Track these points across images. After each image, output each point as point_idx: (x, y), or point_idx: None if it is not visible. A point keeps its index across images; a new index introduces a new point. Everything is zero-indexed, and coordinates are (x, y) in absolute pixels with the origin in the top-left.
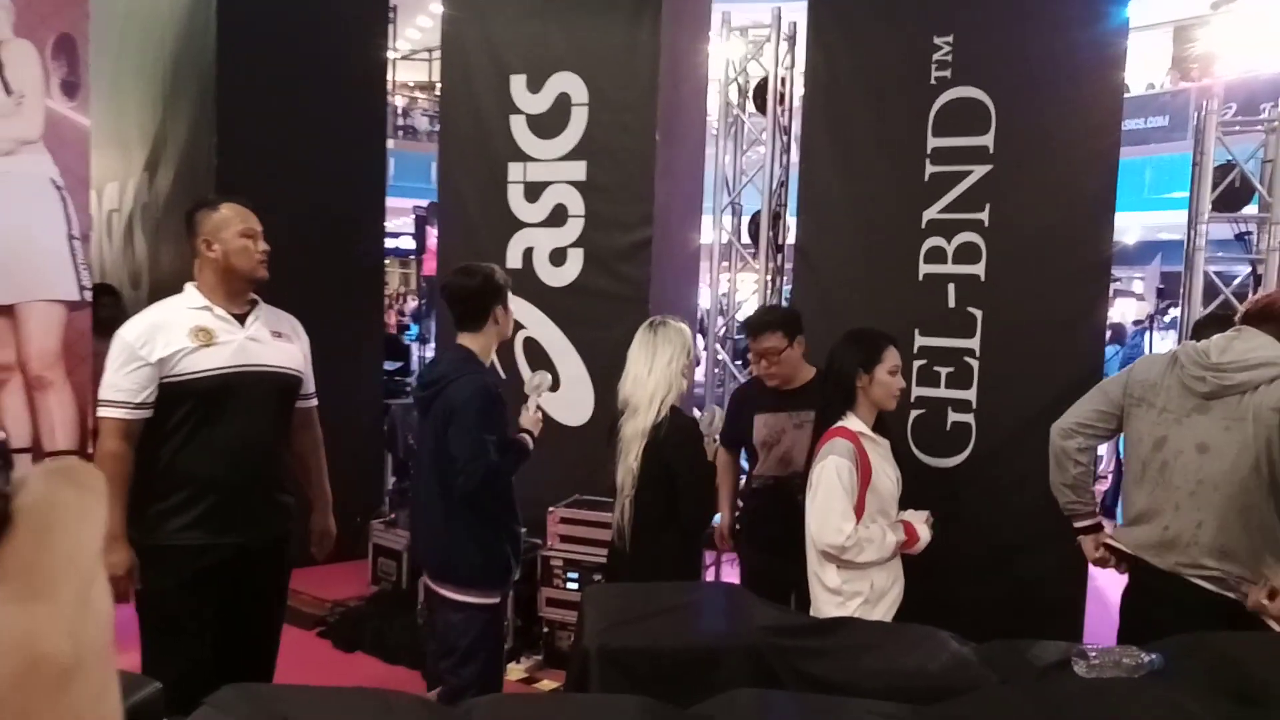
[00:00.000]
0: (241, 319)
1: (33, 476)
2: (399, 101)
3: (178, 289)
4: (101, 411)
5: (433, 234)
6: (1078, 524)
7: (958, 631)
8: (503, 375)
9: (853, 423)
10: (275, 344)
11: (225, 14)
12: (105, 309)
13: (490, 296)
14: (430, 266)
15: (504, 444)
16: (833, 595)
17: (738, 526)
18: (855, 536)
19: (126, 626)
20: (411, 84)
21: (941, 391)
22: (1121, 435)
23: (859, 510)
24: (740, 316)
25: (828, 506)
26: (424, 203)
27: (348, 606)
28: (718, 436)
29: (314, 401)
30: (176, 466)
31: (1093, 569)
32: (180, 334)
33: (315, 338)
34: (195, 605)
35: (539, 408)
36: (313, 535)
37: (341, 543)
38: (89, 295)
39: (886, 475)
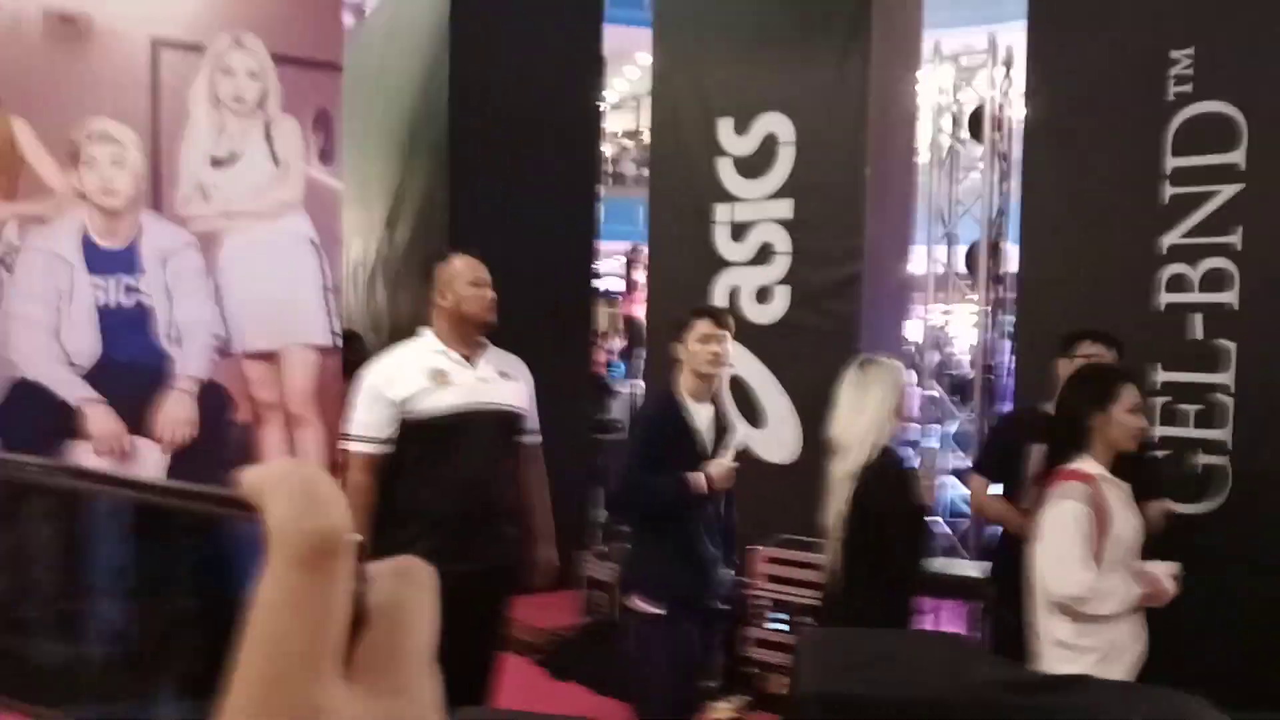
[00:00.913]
0: (472, 360)
1: (380, 575)
2: (609, 150)
3: (413, 334)
4: (351, 446)
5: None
6: None
7: (1210, 697)
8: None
9: (1088, 465)
10: (502, 383)
11: (455, 77)
12: (352, 353)
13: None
14: (628, 306)
15: (657, 465)
16: (1064, 650)
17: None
18: (1095, 587)
19: None
20: (620, 132)
21: (1190, 431)
22: None
23: (1097, 559)
24: (954, 349)
25: (1064, 554)
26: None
27: (561, 636)
28: (936, 480)
29: (537, 438)
30: (413, 498)
31: None
32: (419, 375)
33: (532, 375)
34: None
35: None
36: (535, 566)
37: (557, 573)
38: (339, 341)
39: (1127, 522)
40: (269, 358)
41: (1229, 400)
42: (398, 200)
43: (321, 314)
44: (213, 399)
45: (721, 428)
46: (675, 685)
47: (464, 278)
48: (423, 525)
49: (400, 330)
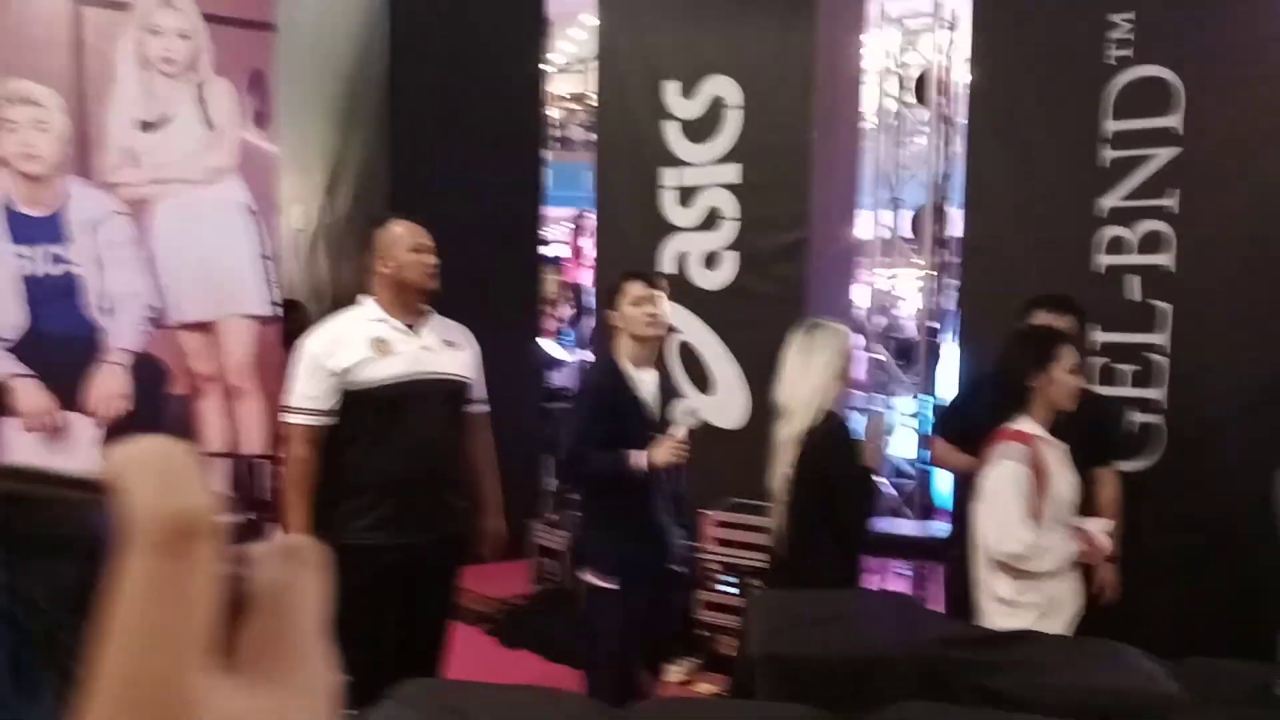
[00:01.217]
0: (415, 329)
1: (264, 557)
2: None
3: (354, 302)
4: (290, 419)
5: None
6: None
7: (1143, 646)
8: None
9: (1027, 425)
10: (447, 352)
11: (396, 38)
12: (293, 322)
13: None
14: (574, 273)
15: (603, 434)
16: (1004, 606)
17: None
18: (1033, 545)
19: None
20: (566, 95)
21: (1127, 390)
22: None
23: (1035, 517)
24: (899, 313)
25: (1004, 513)
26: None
27: (512, 605)
28: (882, 440)
29: (484, 407)
30: (357, 470)
31: None
32: (360, 344)
33: (479, 344)
34: (375, 602)
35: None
36: (484, 536)
37: (507, 543)
38: (279, 310)
39: (1064, 481)
40: (205, 328)
41: (1165, 360)
42: (338, 165)
43: (259, 283)
44: (147, 372)
45: (668, 394)
46: (625, 656)
47: (404, 243)
48: (370, 496)
49: (343, 299)
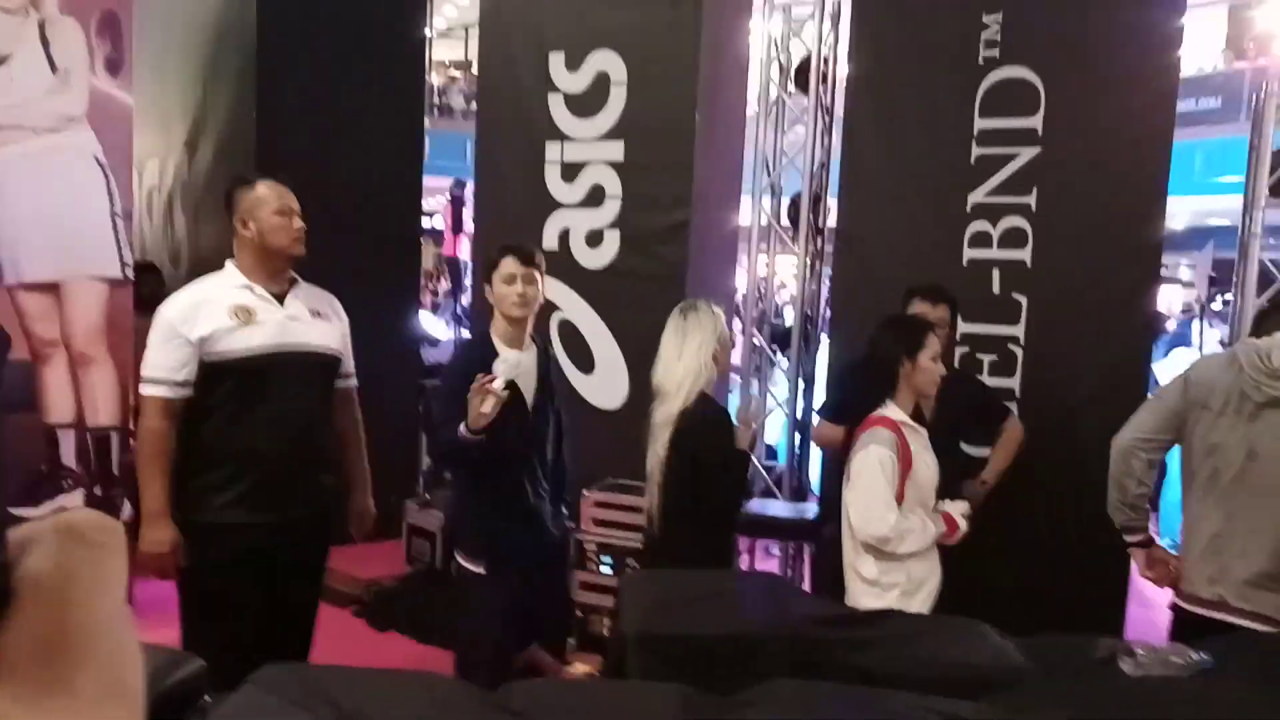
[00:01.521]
0: (281, 298)
1: (39, 539)
2: (436, 80)
3: (218, 267)
4: (144, 389)
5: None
6: (1130, 539)
7: (996, 624)
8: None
9: (893, 411)
10: (315, 323)
11: None
12: (147, 286)
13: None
14: (452, 247)
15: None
16: (870, 586)
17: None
18: (897, 527)
19: (167, 602)
20: (448, 62)
21: (985, 379)
22: None
23: (899, 500)
24: (778, 300)
25: (870, 496)
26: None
27: (382, 586)
28: (754, 423)
29: (353, 381)
30: (218, 444)
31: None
32: (221, 313)
33: (352, 317)
34: (236, 582)
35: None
36: (352, 515)
37: (377, 522)
38: (131, 273)
39: (926, 465)
40: (49, 289)
41: (1019, 351)
42: (199, 120)
43: (110, 242)
44: None
45: (545, 372)
46: (497, 641)
47: (268, 205)
48: (229, 471)
49: (202, 263)
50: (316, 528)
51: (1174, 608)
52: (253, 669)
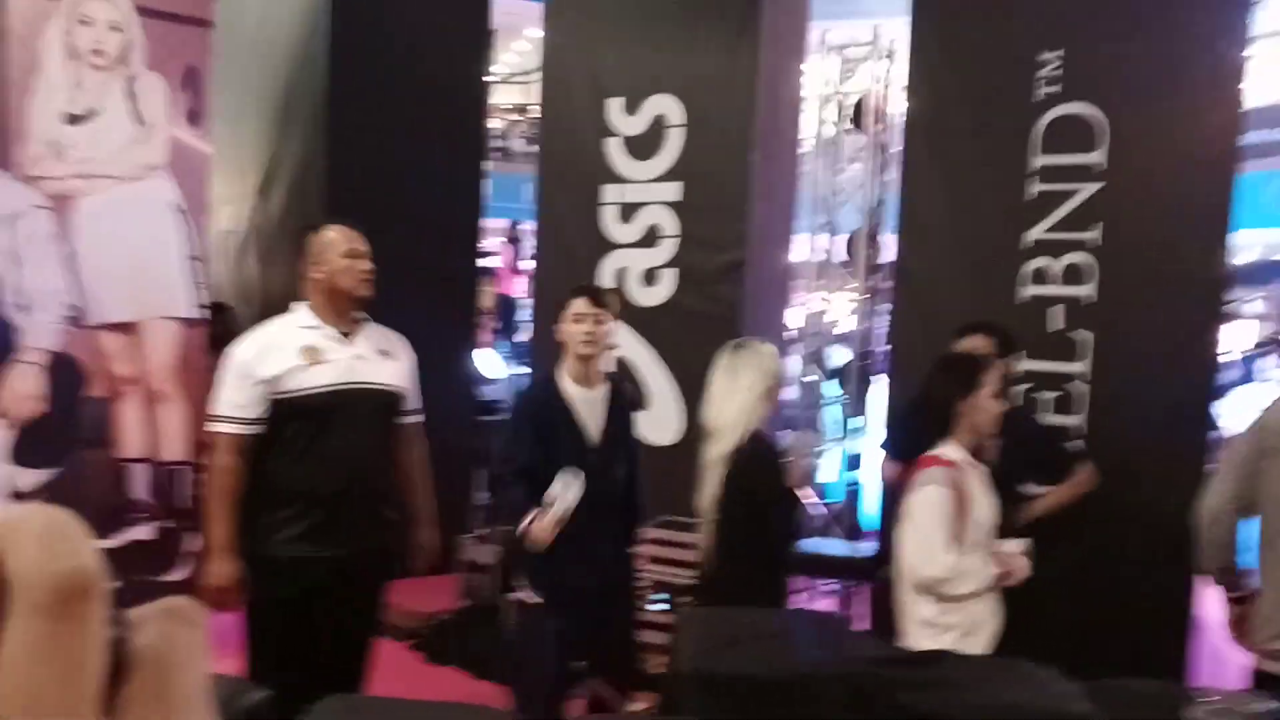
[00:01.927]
0: (349, 337)
1: (146, 617)
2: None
3: (286, 308)
4: (216, 427)
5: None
6: (1231, 595)
7: (1057, 664)
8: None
9: (950, 450)
10: (381, 361)
11: (336, 41)
12: (219, 325)
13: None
14: (508, 285)
15: (534, 448)
16: (926, 628)
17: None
18: (955, 569)
19: (231, 634)
20: (508, 106)
21: (1046, 417)
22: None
23: (958, 540)
24: (832, 336)
25: (927, 537)
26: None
27: (439, 620)
28: (808, 460)
29: (418, 418)
30: (284, 480)
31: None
32: (290, 352)
33: (415, 353)
34: (299, 615)
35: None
36: (415, 549)
37: (439, 556)
38: (205, 313)
39: (985, 505)
40: (128, 329)
41: (1085, 388)
42: (272, 167)
43: (186, 284)
44: (64, 373)
45: (617, 409)
46: (550, 674)
47: (338, 248)
48: (297, 507)
49: (272, 303)
50: (377, 562)
51: (1256, 669)
52: (313, 700)
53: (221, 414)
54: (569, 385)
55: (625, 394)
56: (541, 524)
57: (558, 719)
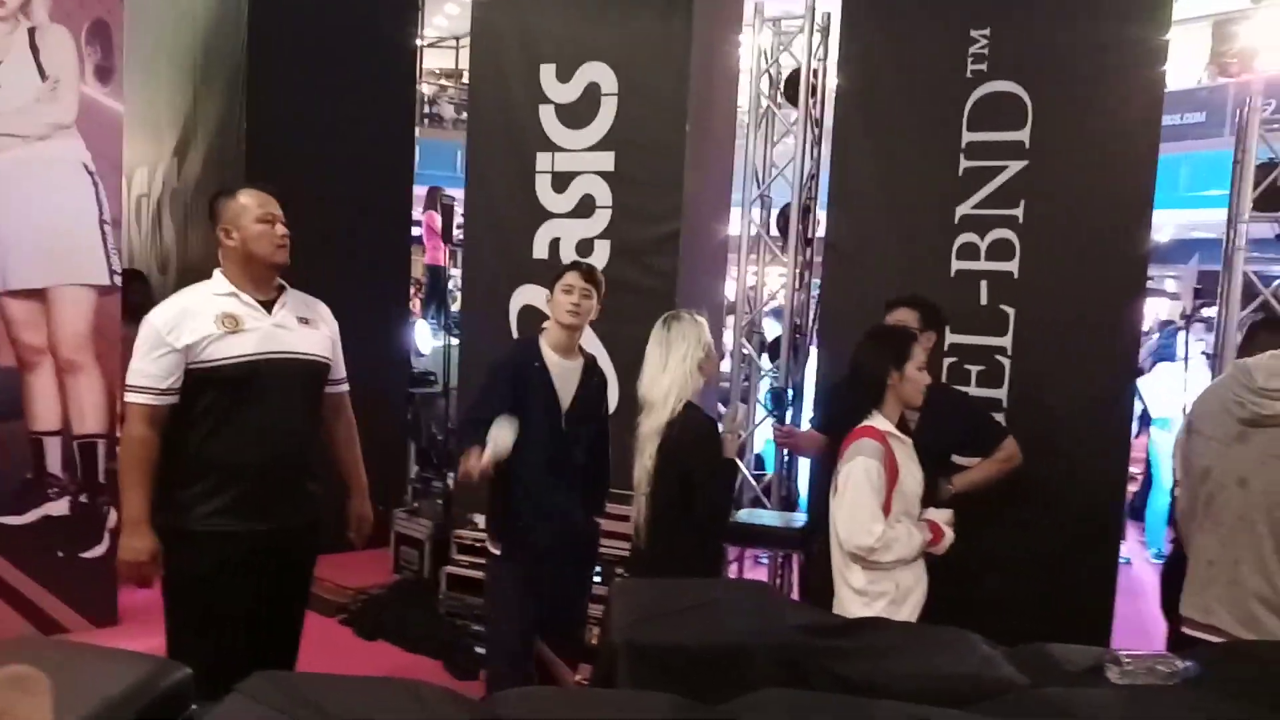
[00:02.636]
0: (268, 305)
1: None
2: (426, 89)
3: (205, 275)
4: (128, 397)
5: (429, 219)
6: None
7: (983, 633)
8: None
9: (879, 421)
10: (302, 330)
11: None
12: (134, 294)
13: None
14: (432, 255)
15: (504, 407)
16: (858, 596)
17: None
18: (883, 537)
19: (152, 610)
20: (438, 71)
21: (972, 390)
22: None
23: (885, 510)
24: (767, 310)
25: (857, 507)
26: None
27: (369, 595)
28: (741, 432)
29: (345, 387)
30: (204, 453)
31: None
32: (207, 320)
33: (342, 325)
34: (222, 591)
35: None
36: (350, 521)
37: (373, 527)
38: (119, 280)
39: (912, 475)
40: (37, 296)
41: (1007, 362)
42: (189, 128)
43: (98, 249)
44: None
45: (589, 383)
46: (511, 628)
47: (251, 214)
48: (217, 480)
49: (190, 270)
50: (303, 536)
51: (1174, 630)
52: (239, 677)
53: (135, 384)
54: (549, 352)
55: (599, 373)
56: (477, 461)
57: (522, 671)
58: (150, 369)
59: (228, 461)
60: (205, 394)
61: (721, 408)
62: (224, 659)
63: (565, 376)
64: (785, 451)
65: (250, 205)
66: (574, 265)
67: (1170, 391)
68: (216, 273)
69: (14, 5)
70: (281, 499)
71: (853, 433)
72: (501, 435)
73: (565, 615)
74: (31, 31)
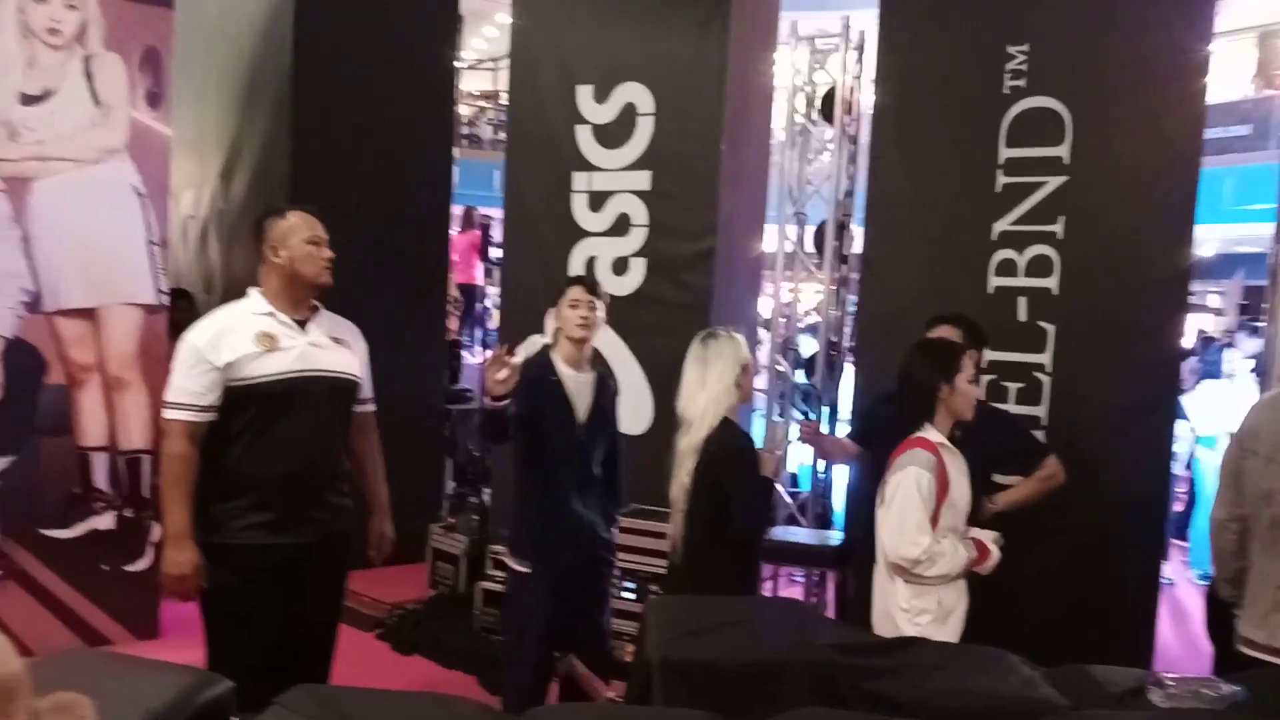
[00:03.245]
0: (303, 324)
1: (38, 712)
2: (465, 110)
3: (243, 294)
4: (168, 414)
5: (464, 238)
6: (1237, 613)
7: (1023, 653)
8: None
9: (932, 434)
10: (336, 349)
11: (301, 25)
12: (180, 312)
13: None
14: (465, 275)
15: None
16: (901, 613)
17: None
18: (929, 550)
19: (192, 623)
20: (476, 93)
21: (1011, 407)
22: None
23: (933, 522)
24: (802, 327)
25: (905, 517)
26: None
27: (406, 610)
28: (778, 452)
29: (372, 407)
30: (240, 468)
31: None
32: (246, 339)
33: (379, 342)
34: (257, 603)
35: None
36: (371, 538)
37: (401, 546)
38: (166, 300)
39: (962, 489)
40: (86, 315)
41: (1046, 379)
42: (234, 151)
43: (146, 269)
44: (20, 359)
45: (603, 394)
46: (534, 644)
47: (299, 234)
48: (252, 495)
49: (235, 289)
50: (336, 549)
51: (1220, 652)
52: (275, 689)
53: (176, 401)
54: (562, 366)
55: (612, 384)
56: (502, 366)
57: (541, 689)
58: (191, 386)
59: (263, 476)
60: (243, 411)
61: (759, 423)
62: (260, 671)
63: (580, 389)
64: (821, 469)
65: (299, 225)
66: (577, 280)
67: (1216, 409)
68: (254, 291)
69: (70, 34)
70: (314, 512)
71: (905, 443)
72: (529, 347)
73: (591, 629)
74: (86, 59)
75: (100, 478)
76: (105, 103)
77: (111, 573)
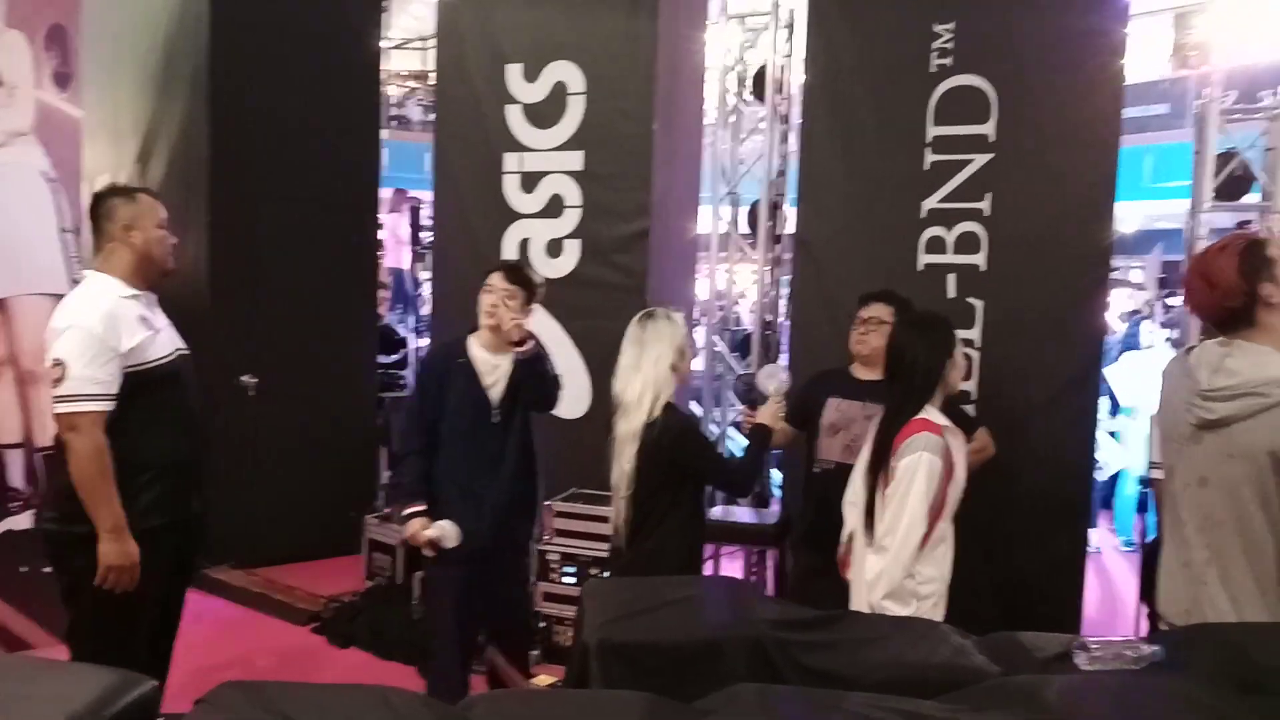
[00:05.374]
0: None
1: None
2: (394, 92)
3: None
4: (80, 406)
5: (394, 221)
6: None
7: (955, 620)
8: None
9: (935, 415)
10: (173, 329)
11: (218, 2)
12: None
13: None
14: (395, 258)
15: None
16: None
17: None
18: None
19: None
20: (405, 73)
21: None
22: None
23: (942, 506)
24: (738, 308)
25: (912, 505)
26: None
27: (342, 602)
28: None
29: None
30: (139, 451)
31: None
32: (133, 323)
33: (308, 330)
34: (149, 581)
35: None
36: None
37: (336, 537)
38: None
39: (963, 468)
40: None
41: (976, 354)
42: (151, 134)
43: (58, 258)
44: None
45: (518, 382)
46: (454, 630)
47: (153, 217)
48: (149, 476)
49: None
50: (203, 521)
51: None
52: (140, 662)
53: (84, 392)
54: (476, 349)
55: (533, 370)
56: (420, 529)
57: (464, 666)
58: (99, 375)
59: (158, 458)
60: (138, 395)
61: (695, 405)
62: (130, 647)
63: (494, 372)
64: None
65: (152, 208)
66: (500, 265)
67: (1137, 380)
68: (101, 275)
69: None
70: (195, 488)
71: (909, 425)
72: (448, 534)
73: (510, 614)
74: None
75: (16, 476)
76: (8, 83)
77: (30, 574)
